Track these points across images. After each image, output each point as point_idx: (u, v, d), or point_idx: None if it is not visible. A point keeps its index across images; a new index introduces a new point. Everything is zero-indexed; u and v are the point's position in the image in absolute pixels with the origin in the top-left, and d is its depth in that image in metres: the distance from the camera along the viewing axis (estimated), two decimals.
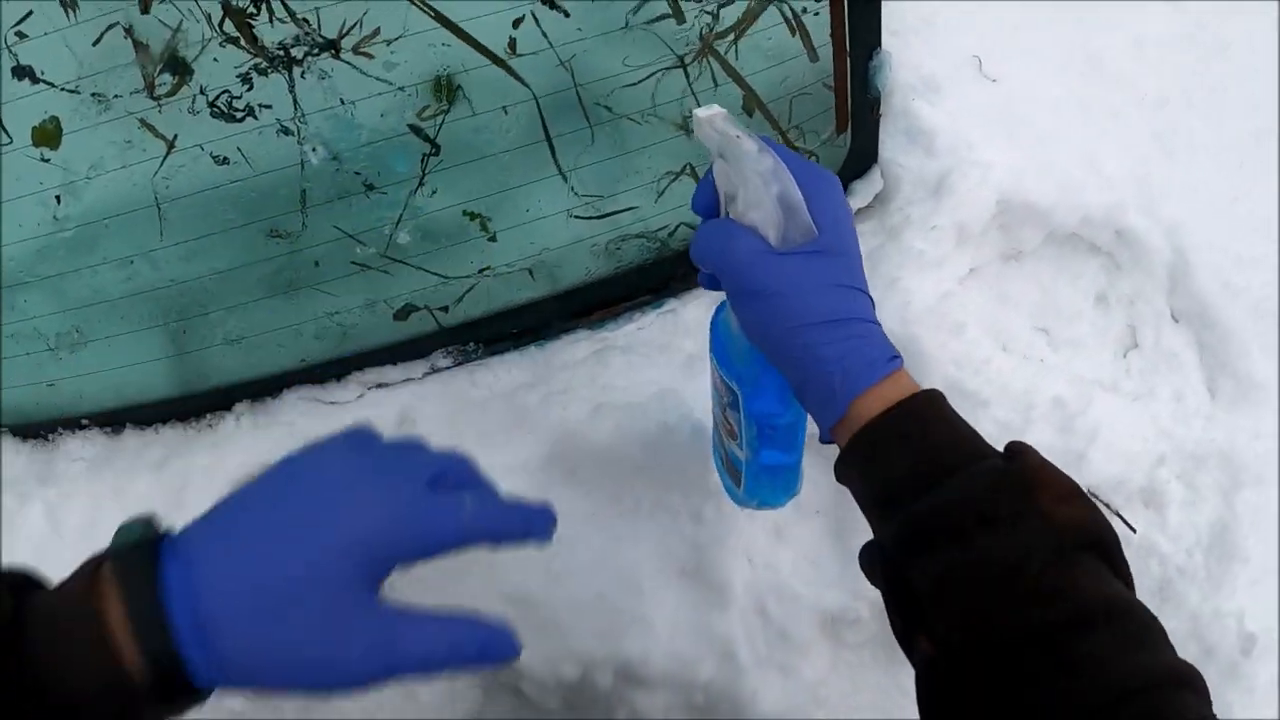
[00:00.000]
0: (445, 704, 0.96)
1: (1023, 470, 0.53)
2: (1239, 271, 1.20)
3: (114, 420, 1.00)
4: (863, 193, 1.05)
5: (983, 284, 1.13)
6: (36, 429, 1.00)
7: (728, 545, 0.98)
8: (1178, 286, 1.20)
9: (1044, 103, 1.12)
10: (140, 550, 0.41)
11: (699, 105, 0.78)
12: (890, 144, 1.07)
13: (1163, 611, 1.06)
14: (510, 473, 0.95)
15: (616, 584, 0.95)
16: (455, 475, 0.51)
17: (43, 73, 0.77)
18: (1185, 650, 1.11)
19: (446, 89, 0.90)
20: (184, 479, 0.97)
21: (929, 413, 0.58)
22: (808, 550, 1.04)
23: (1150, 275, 1.18)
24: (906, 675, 0.60)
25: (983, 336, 1.05)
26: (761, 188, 0.58)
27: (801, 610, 0.99)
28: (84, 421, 0.99)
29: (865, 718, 1.00)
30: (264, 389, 0.96)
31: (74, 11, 0.75)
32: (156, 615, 0.40)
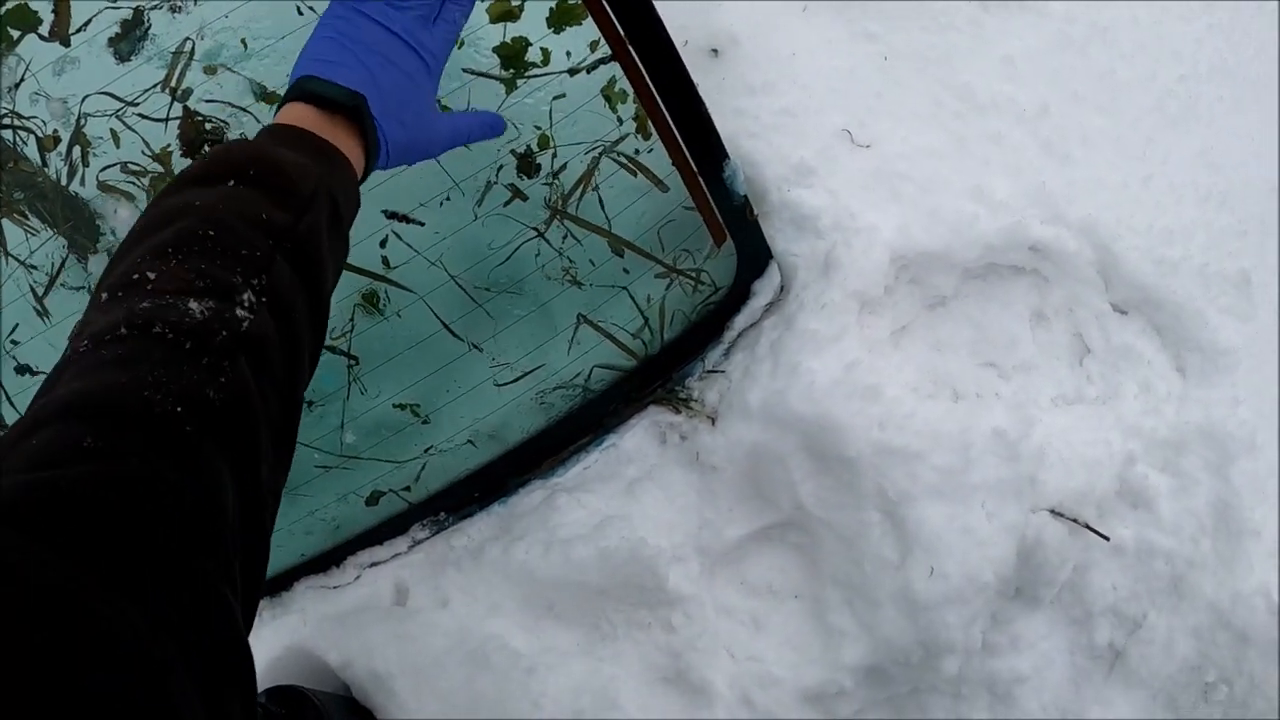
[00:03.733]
0: None
1: None
2: (1171, 245, 1.23)
3: None
4: (765, 291, 1.16)
5: (915, 338, 1.20)
6: None
7: (702, 646, 1.08)
8: (1112, 280, 1.23)
9: (921, 152, 1.19)
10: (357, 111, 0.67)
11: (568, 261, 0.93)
12: (780, 237, 1.16)
13: (1180, 609, 1.09)
14: (490, 617, 1.10)
15: (594, 701, 1.06)
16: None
17: None
18: (1216, 640, 1.12)
19: (367, 304, 1.06)
20: None
21: None
22: (789, 635, 1.12)
23: (1079, 278, 1.22)
24: None
25: (902, 392, 1.12)
26: None
27: (785, 694, 1.07)
28: None
29: None
30: (277, 585, 1.14)
31: None
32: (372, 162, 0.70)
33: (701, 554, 1.11)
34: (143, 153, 1.00)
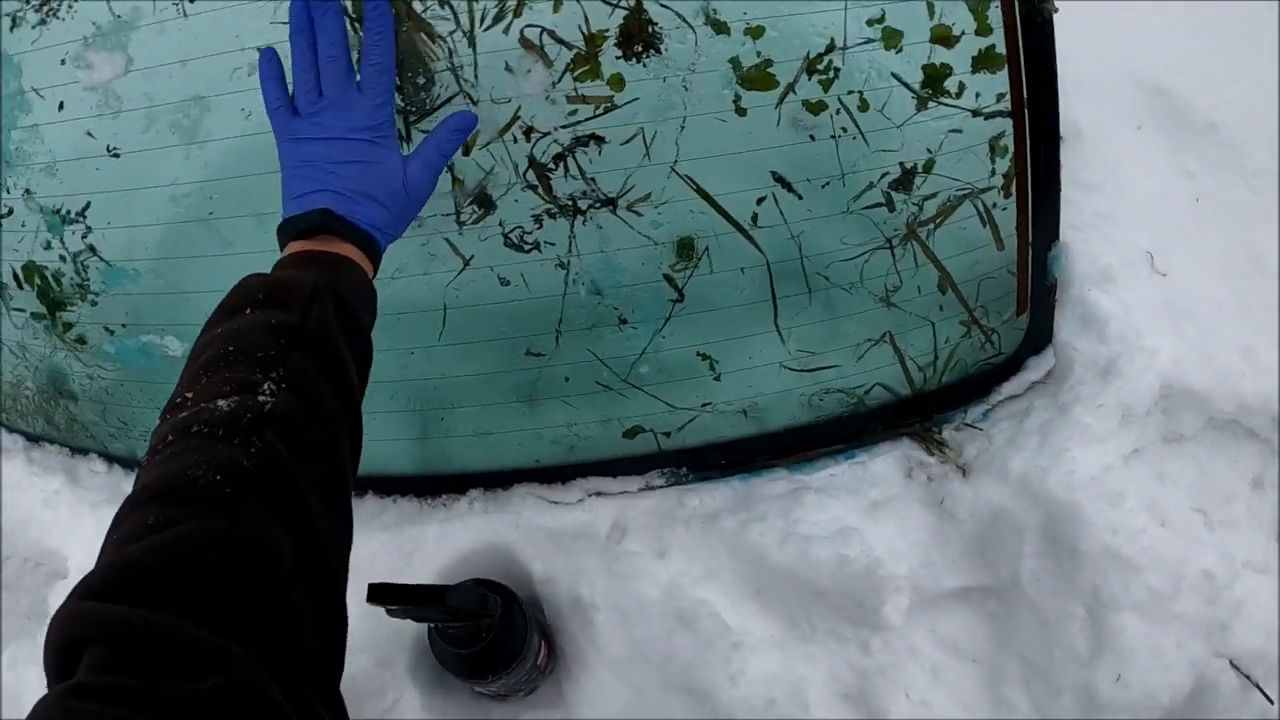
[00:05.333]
0: None
1: None
2: None
3: (360, 485, 1.19)
4: (1037, 368, 1.22)
5: (1144, 463, 1.27)
6: None
7: (889, 678, 1.12)
8: None
9: (1208, 298, 1.26)
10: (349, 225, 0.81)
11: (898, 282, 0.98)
12: (1065, 328, 1.23)
13: None
14: (704, 581, 1.12)
15: (786, 695, 1.09)
16: None
17: None
18: None
19: (692, 249, 1.09)
20: (414, 544, 1.16)
21: None
22: (961, 693, 1.16)
23: None
24: None
25: (1139, 508, 1.18)
26: None
27: None
28: None
29: None
30: (497, 481, 1.17)
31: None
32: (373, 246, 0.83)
33: (915, 592, 1.15)
34: (578, 26, 1.02)
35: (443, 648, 1.05)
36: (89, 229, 1.16)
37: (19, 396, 1.38)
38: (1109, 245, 1.26)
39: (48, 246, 1.20)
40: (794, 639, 1.14)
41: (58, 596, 1.33)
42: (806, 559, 1.12)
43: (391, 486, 1.21)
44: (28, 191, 1.17)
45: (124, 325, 1.22)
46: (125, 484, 1.34)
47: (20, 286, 1.26)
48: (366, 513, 1.22)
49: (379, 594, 0.90)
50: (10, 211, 1.20)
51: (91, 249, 1.18)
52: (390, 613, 0.93)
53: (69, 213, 1.16)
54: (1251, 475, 1.31)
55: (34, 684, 1.27)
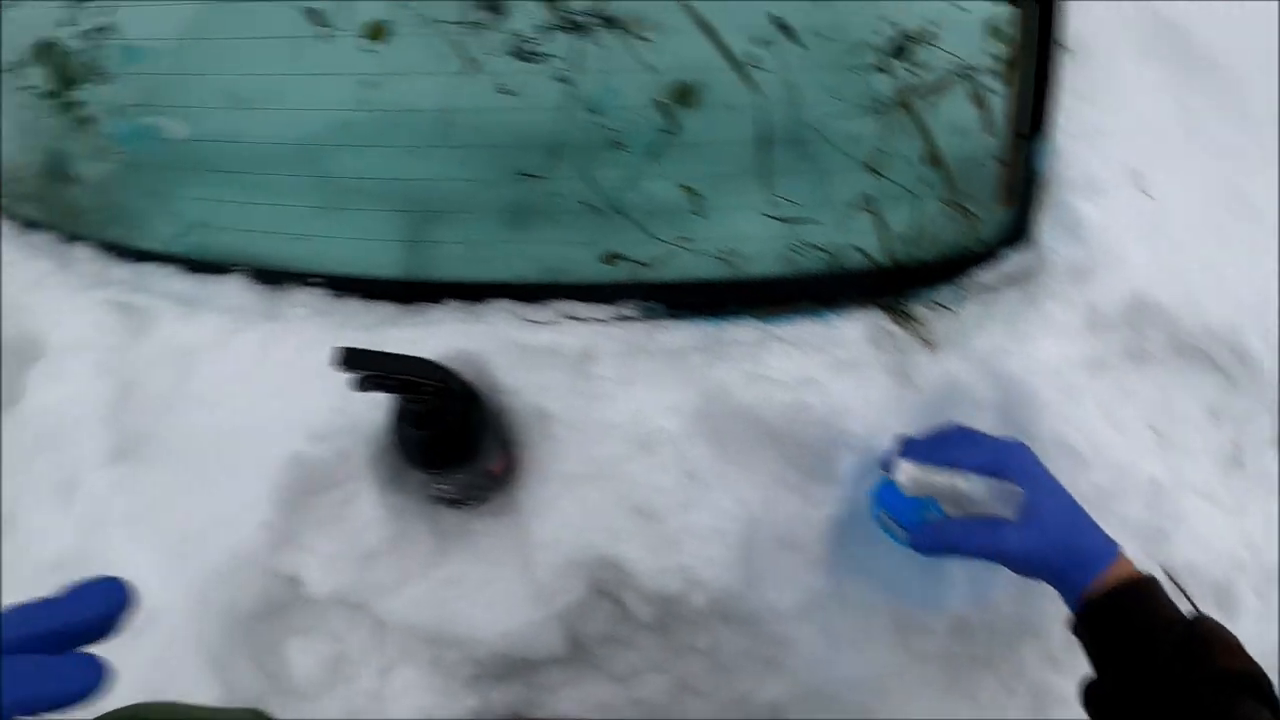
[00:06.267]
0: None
1: (1203, 633, 0.85)
2: None
3: (340, 286, 1.25)
4: (1015, 262, 1.25)
5: (1107, 373, 1.30)
6: (270, 275, 1.28)
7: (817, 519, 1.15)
8: None
9: (1188, 226, 1.31)
10: None
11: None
12: (1046, 230, 1.27)
13: None
14: (668, 412, 1.16)
15: (734, 530, 1.13)
16: None
17: None
18: None
19: (688, 91, 1.13)
20: (390, 343, 1.18)
21: (1138, 592, 0.90)
22: (895, 557, 1.18)
23: (1261, 400, 1.33)
24: None
25: (1094, 408, 1.21)
26: (980, 491, 0.96)
27: None
28: (314, 279, 1.24)
29: None
30: (474, 293, 1.20)
31: None
32: None
33: (866, 452, 1.18)
34: None
35: (404, 431, 1.08)
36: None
37: (21, 179, 1.41)
38: (1099, 157, 1.30)
39: (68, 23, 1.24)
40: (744, 480, 1.17)
41: (34, 380, 1.36)
42: (769, 401, 1.15)
43: (373, 290, 1.24)
44: None
45: (134, 106, 1.26)
46: (115, 271, 1.37)
47: (32, 63, 1.29)
48: (346, 311, 1.25)
49: (346, 357, 0.92)
50: None
51: (106, 29, 1.21)
52: (355, 383, 0.96)
53: None
54: (1208, 405, 1.35)
55: None
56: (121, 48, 1.24)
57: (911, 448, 1.02)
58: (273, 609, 1.23)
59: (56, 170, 1.36)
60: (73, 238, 1.40)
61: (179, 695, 1.17)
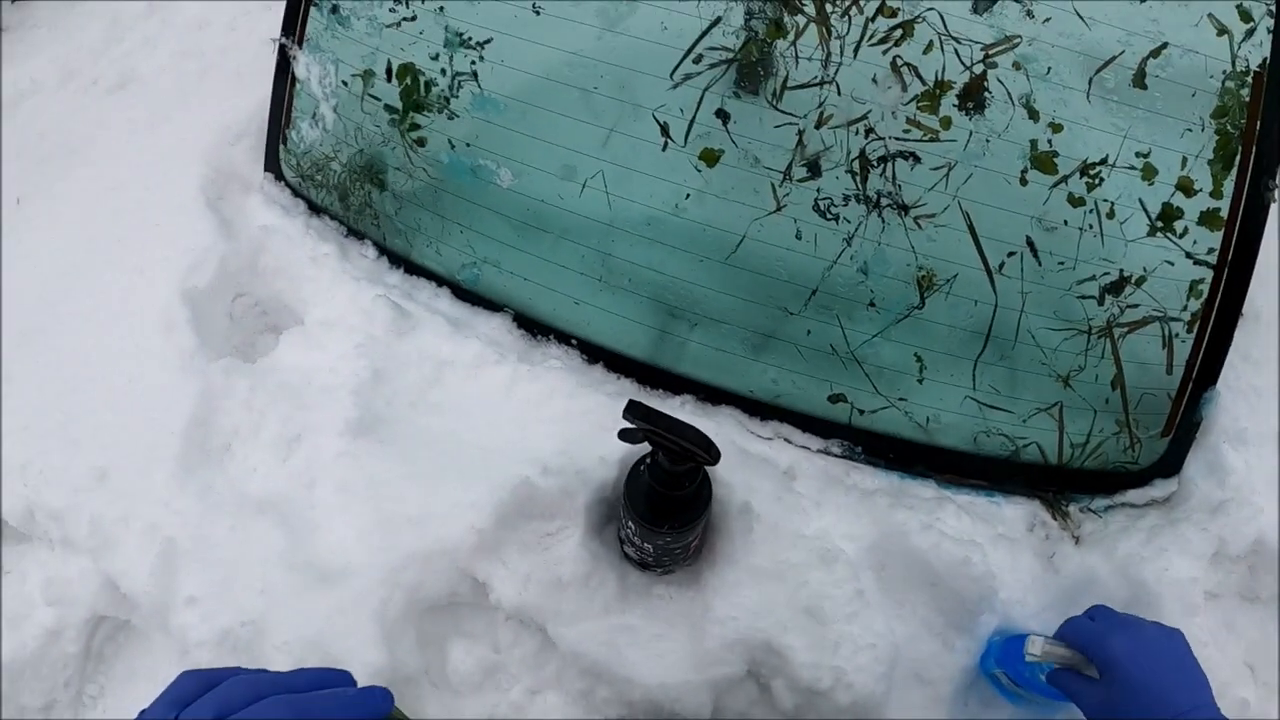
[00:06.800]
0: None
1: None
2: None
3: (595, 353, 1.44)
4: (1161, 489, 1.46)
5: (1218, 607, 1.47)
6: (534, 325, 1.47)
7: (962, 678, 1.32)
8: None
9: None
10: None
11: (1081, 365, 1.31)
12: (1193, 466, 1.47)
13: None
14: (847, 538, 1.35)
15: (883, 649, 1.30)
16: None
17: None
18: None
19: (929, 279, 1.32)
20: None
21: None
22: None
23: None
24: None
25: (1206, 627, 1.38)
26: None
27: None
28: (574, 340, 1.45)
29: None
30: (709, 395, 1.38)
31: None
32: None
33: (1004, 619, 1.35)
34: (935, 71, 1.27)
35: (644, 484, 1.23)
36: (481, 58, 1.40)
37: (326, 168, 1.61)
38: (1251, 413, 1.50)
39: (435, 58, 1.44)
40: (897, 615, 1.35)
41: (288, 340, 1.53)
42: (937, 549, 1.33)
43: (622, 365, 1.43)
44: (441, 9, 1.40)
45: (468, 145, 1.45)
46: (389, 275, 1.56)
47: (389, 79, 1.49)
48: (594, 377, 1.44)
49: (636, 408, 1.09)
50: (414, 17, 1.44)
51: (474, 74, 1.41)
52: (626, 434, 1.12)
53: (470, 39, 1.40)
54: None
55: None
56: (479, 95, 1.43)
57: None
58: (453, 605, 1.39)
59: (369, 172, 1.55)
60: (357, 234, 1.59)
61: (344, 652, 1.32)
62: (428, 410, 1.46)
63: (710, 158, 1.32)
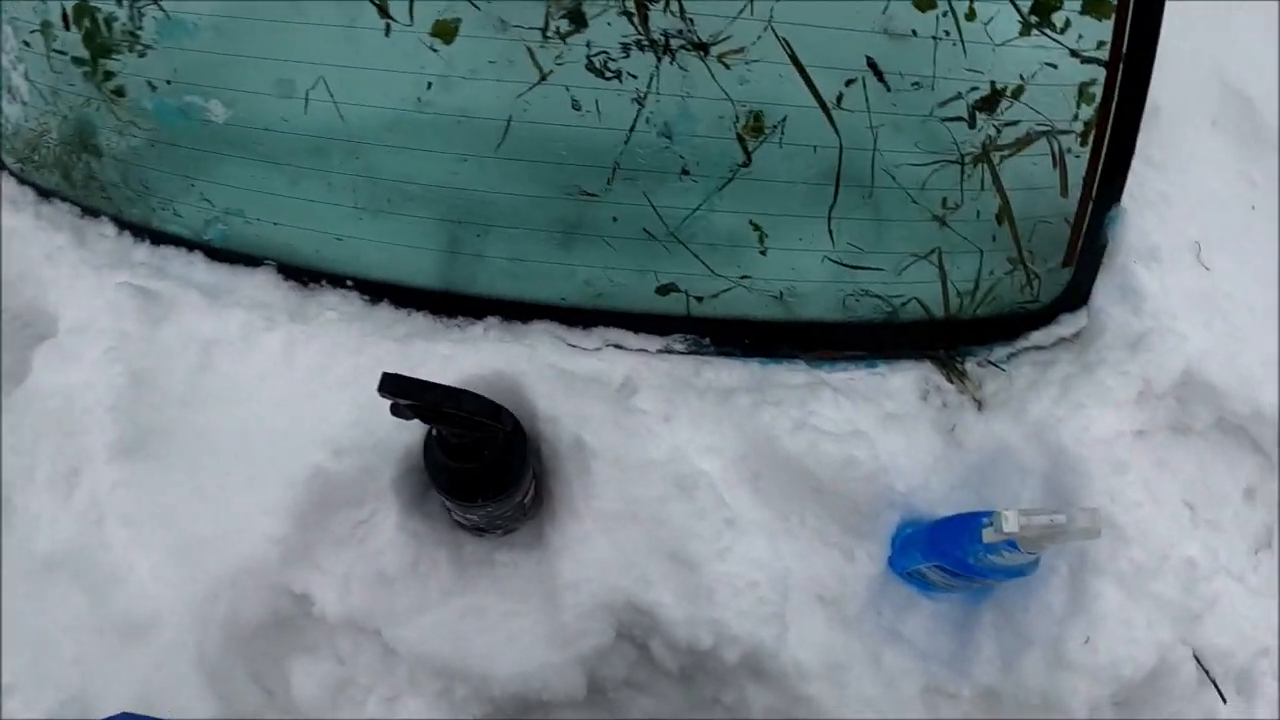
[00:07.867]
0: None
1: None
2: None
3: (376, 291, 1.21)
4: (1069, 325, 1.25)
5: (1149, 445, 1.29)
6: (301, 273, 1.22)
7: (867, 591, 1.12)
8: None
9: (1245, 302, 1.31)
10: None
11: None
12: (1103, 294, 1.26)
13: None
14: (708, 454, 1.14)
15: (769, 583, 1.09)
16: None
17: None
18: None
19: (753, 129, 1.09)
20: (423, 359, 1.17)
21: None
22: (929, 627, 1.18)
23: None
24: None
25: (1138, 483, 1.19)
26: None
27: None
28: (349, 282, 1.21)
29: None
30: (517, 312, 1.17)
31: None
32: None
33: (908, 511, 1.15)
34: None
35: (438, 459, 1.03)
36: None
37: (40, 146, 1.35)
38: (1161, 225, 1.29)
39: None
40: (783, 530, 1.15)
41: (41, 359, 1.29)
42: (815, 451, 1.12)
43: (409, 299, 1.19)
44: None
45: (169, 82, 1.20)
46: (134, 252, 1.31)
47: (67, 28, 1.23)
48: (380, 320, 1.21)
49: (392, 385, 0.87)
50: None
51: None
52: (396, 410, 0.91)
53: None
54: (1246, 484, 1.34)
55: None
56: (164, 20, 1.17)
57: None
58: (278, 626, 1.19)
59: (81, 139, 1.29)
60: (92, 212, 1.34)
61: (173, 707, 1.15)
62: (202, 405, 1.22)
63: (446, 31, 1.06)
